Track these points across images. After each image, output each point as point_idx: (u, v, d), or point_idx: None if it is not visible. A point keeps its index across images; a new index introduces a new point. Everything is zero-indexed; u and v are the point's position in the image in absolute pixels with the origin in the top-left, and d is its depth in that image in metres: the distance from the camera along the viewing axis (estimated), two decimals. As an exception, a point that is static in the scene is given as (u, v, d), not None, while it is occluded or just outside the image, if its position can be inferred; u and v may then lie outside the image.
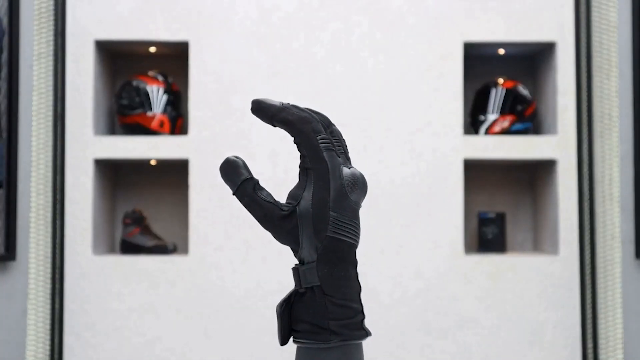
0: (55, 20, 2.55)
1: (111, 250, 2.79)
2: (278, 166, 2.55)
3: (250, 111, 0.72)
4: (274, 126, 0.72)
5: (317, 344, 0.70)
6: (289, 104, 0.71)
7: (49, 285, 2.54)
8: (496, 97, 2.72)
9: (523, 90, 2.75)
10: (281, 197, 2.61)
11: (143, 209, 2.78)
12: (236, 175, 0.72)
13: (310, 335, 0.70)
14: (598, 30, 2.60)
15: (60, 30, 2.56)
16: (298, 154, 2.62)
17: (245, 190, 0.72)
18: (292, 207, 0.71)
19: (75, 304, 2.53)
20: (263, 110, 0.71)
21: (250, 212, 0.72)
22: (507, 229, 2.83)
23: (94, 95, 2.59)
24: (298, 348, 0.72)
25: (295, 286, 0.72)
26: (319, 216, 0.70)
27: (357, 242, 0.72)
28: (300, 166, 0.73)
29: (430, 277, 2.55)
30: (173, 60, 2.80)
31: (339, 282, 0.71)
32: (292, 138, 0.72)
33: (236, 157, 0.73)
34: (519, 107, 2.73)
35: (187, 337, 2.53)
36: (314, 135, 0.71)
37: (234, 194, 0.73)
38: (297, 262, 0.73)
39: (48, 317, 2.54)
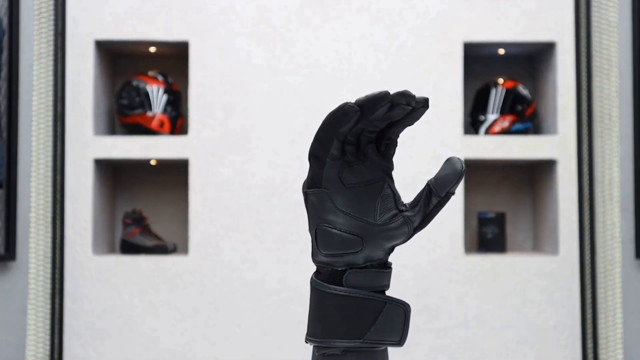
0: (55, 20, 2.55)
1: (111, 250, 2.79)
2: (278, 166, 2.55)
3: (422, 106, 0.69)
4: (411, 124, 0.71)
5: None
6: None
7: (49, 285, 2.54)
8: (496, 97, 2.72)
9: (523, 90, 2.75)
10: (281, 196, 2.58)
11: (143, 209, 2.78)
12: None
13: None
14: (598, 30, 2.60)
15: (60, 30, 2.56)
16: (298, 154, 2.60)
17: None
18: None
19: (75, 304, 2.53)
20: None
21: (434, 216, 0.72)
22: (507, 229, 2.83)
23: (94, 95, 2.59)
24: (378, 351, 0.72)
25: (385, 288, 0.74)
26: None
27: None
28: (385, 154, 0.74)
29: (430, 277, 2.55)
30: (173, 60, 2.80)
31: None
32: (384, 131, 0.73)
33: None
34: (519, 107, 2.73)
35: (187, 337, 2.53)
36: None
37: (442, 197, 0.72)
38: (368, 265, 0.72)
39: (48, 317, 2.54)
